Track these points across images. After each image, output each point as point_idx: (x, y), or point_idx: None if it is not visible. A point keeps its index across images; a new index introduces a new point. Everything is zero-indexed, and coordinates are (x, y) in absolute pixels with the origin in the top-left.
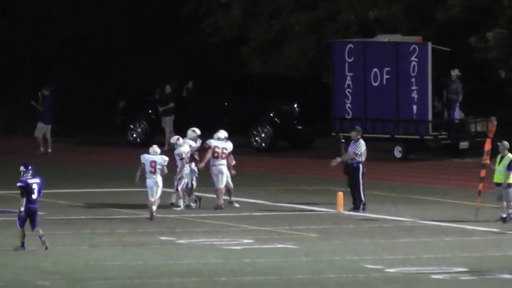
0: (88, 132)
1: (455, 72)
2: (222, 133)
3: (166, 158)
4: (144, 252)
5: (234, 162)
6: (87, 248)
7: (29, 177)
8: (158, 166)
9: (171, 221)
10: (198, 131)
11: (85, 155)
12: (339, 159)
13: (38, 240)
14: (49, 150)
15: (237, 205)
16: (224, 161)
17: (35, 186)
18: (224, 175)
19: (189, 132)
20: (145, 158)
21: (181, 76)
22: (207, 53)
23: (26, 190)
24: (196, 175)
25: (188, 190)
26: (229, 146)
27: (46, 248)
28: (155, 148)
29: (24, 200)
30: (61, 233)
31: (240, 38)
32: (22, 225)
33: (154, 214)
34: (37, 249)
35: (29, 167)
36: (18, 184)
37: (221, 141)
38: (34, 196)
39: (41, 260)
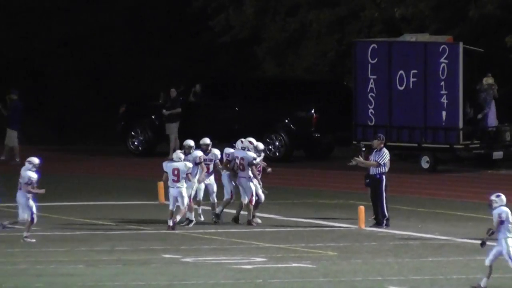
0: (85, 140)
1: (487, 81)
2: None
3: (190, 165)
4: (146, 271)
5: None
6: (83, 267)
7: None
8: (182, 174)
9: (176, 237)
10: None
11: (82, 165)
12: (358, 159)
13: (29, 258)
14: (17, 159)
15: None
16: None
17: None
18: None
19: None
20: (167, 165)
21: (188, 79)
22: (217, 54)
23: None
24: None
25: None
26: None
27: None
28: (179, 154)
29: None
30: (55, 251)
31: (253, 38)
32: None
33: (171, 222)
34: (28, 267)
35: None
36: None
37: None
38: None
39: (33, 280)
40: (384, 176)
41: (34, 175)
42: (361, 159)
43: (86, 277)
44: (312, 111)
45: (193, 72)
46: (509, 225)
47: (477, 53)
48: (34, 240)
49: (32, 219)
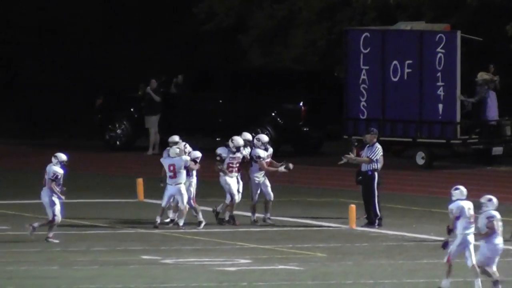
0: (60, 134)
1: (482, 76)
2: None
3: (187, 158)
4: (123, 273)
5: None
6: (57, 268)
7: None
8: (179, 170)
9: (156, 237)
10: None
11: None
12: (348, 156)
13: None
14: None
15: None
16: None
17: None
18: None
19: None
20: (164, 161)
21: (169, 69)
22: (200, 43)
23: None
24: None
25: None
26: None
27: None
28: (174, 149)
29: None
30: (27, 251)
31: (238, 26)
32: None
33: (159, 219)
34: None
35: None
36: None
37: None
38: None
39: (3, 283)
40: (376, 173)
41: (60, 170)
42: (352, 155)
43: (60, 280)
44: (301, 104)
45: (174, 62)
46: (467, 219)
47: (476, 42)
48: (57, 241)
49: (53, 218)
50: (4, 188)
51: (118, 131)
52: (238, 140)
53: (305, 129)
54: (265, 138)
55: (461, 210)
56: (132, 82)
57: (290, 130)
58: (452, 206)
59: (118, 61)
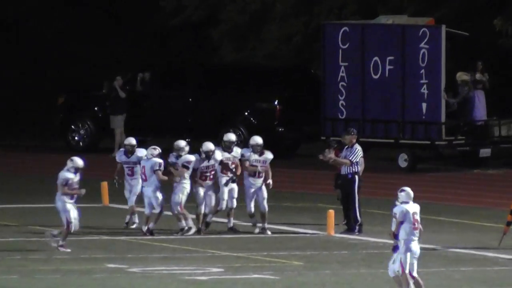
0: (19, 135)
1: (461, 77)
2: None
3: (159, 160)
4: (87, 283)
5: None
6: (17, 277)
7: None
8: (149, 173)
9: (122, 245)
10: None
11: (15, 162)
12: (328, 156)
13: None
14: None
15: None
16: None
17: None
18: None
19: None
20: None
21: (135, 66)
22: (168, 38)
23: None
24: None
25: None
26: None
27: None
28: (151, 150)
29: None
30: None
31: (209, 20)
32: None
33: (146, 228)
34: None
35: None
36: None
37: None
38: None
39: None
40: (357, 176)
41: (71, 176)
42: (331, 155)
43: None
44: (276, 103)
45: (141, 59)
46: (410, 225)
47: (461, 37)
48: (69, 250)
49: (68, 225)
50: None
51: (81, 131)
52: (208, 145)
53: (280, 129)
54: (232, 137)
55: (403, 214)
56: (96, 79)
57: (264, 130)
58: (394, 210)
59: (80, 57)
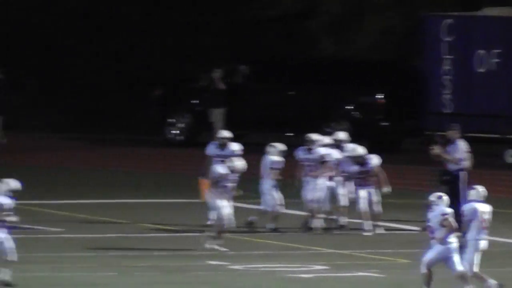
0: (113, 128)
1: None
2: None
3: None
4: (188, 280)
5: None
6: (116, 274)
7: None
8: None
9: (223, 241)
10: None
11: (108, 157)
12: (436, 151)
13: None
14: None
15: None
16: None
17: None
18: None
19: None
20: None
21: (230, 59)
22: (263, 30)
23: None
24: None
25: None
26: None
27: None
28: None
29: None
30: (81, 256)
31: (307, 11)
32: None
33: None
34: None
35: None
36: None
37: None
38: None
39: None
40: (462, 173)
41: (5, 201)
42: (439, 150)
43: (113, 287)
44: (379, 96)
45: (234, 52)
46: (478, 224)
47: None
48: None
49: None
50: (56, 186)
51: (179, 125)
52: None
53: (384, 123)
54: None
55: (473, 213)
56: (192, 71)
57: (367, 125)
58: (464, 208)
59: (171, 49)
